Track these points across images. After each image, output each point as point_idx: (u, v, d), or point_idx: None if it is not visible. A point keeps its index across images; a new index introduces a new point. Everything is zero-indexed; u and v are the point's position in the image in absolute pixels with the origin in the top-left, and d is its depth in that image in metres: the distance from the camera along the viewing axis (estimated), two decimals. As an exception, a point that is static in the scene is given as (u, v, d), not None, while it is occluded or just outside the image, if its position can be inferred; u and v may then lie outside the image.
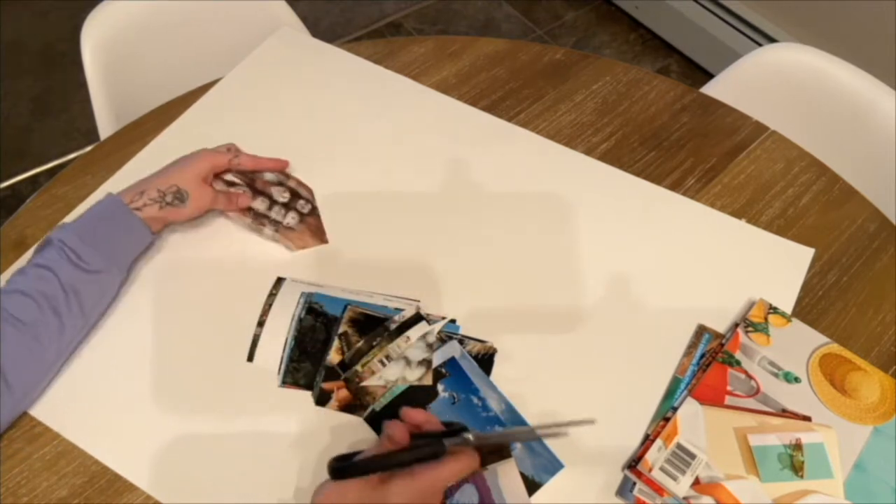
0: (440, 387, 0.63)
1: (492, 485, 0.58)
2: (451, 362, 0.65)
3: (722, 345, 0.67)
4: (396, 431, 0.51)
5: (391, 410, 0.62)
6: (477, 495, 0.57)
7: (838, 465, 0.59)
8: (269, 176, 0.75)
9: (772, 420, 0.61)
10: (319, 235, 0.73)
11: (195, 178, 0.68)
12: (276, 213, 0.73)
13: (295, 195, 0.75)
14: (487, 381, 0.64)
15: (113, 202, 0.65)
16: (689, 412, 0.61)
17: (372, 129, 0.83)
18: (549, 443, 0.61)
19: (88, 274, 0.62)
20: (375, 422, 0.62)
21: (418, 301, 0.68)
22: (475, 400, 0.63)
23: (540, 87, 0.90)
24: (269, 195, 0.74)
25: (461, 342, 0.66)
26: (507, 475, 0.58)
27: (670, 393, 0.64)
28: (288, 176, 0.76)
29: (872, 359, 0.68)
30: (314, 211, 0.74)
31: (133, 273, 0.70)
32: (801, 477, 0.58)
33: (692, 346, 0.67)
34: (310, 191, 0.76)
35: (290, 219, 0.73)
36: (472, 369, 0.64)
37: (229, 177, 0.73)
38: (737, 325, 0.68)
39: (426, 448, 0.49)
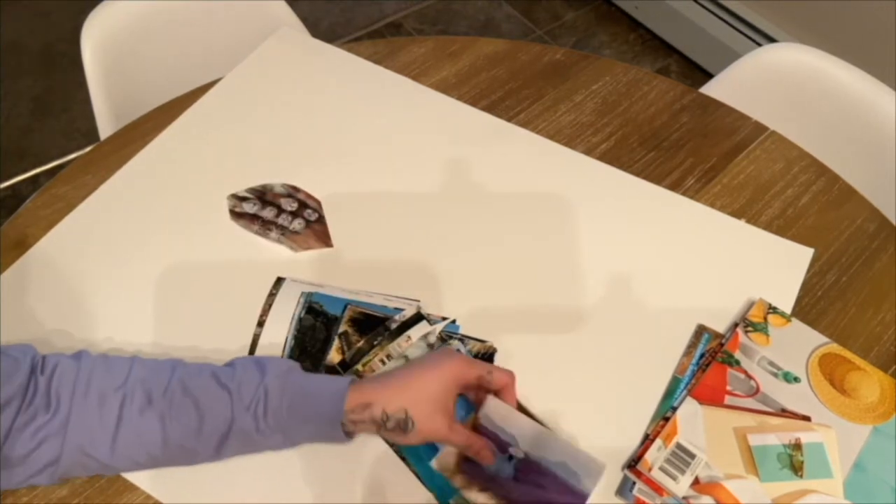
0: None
1: (492, 427, 0.57)
2: None
3: (721, 344, 0.67)
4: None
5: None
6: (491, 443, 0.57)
7: (838, 465, 0.59)
8: (278, 188, 0.75)
9: (771, 420, 0.61)
10: (324, 239, 0.73)
11: (432, 402, 0.55)
12: (283, 220, 0.73)
13: (303, 205, 0.75)
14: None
15: (336, 400, 0.55)
16: (689, 412, 0.61)
17: (372, 129, 0.83)
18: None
19: (260, 434, 0.55)
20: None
21: (418, 301, 0.69)
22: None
23: (540, 87, 0.90)
24: (279, 205, 0.74)
25: (461, 342, 0.66)
26: (498, 415, 0.58)
27: (670, 393, 0.64)
28: (297, 189, 0.76)
29: (872, 358, 0.68)
30: (321, 220, 0.75)
31: (132, 272, 0.70)
32: (801, 476, 0.58)
33: (692, 345, 0.68)
34: (318, 202, 0.76)
35: (297, 224, 0.73)
36: None
37: (242, 193, 0.74)
38: (736, 324, 0.68)
39: None
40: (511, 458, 0.56)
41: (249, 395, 0.54)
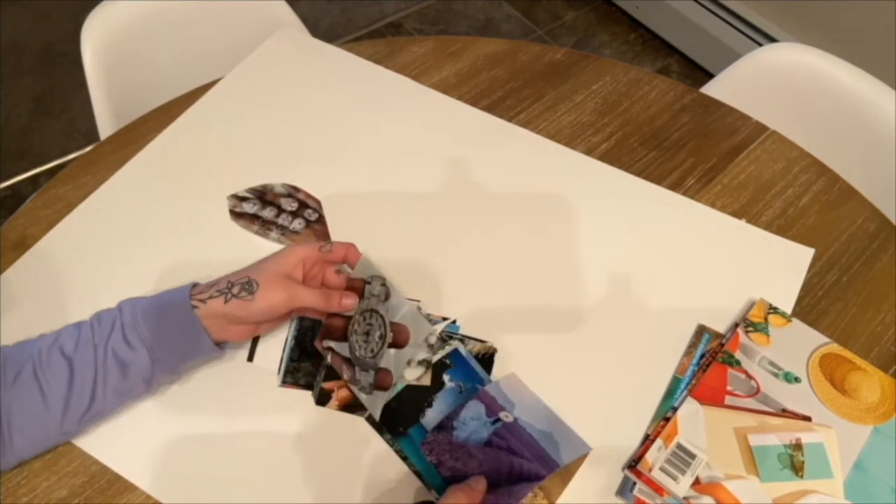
0: (446, 377, 0.63)
1: (496, 393, 0.61)
2: (455, 353, 0.65)
3: (722, 345, 0.67)
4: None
5: (391, 408, 0.62)
6: (483, 407, 0.60)
7: (838, 465, 0.59)
8: (278, 188, 0.75)
9: (772, 420, 0.61)
10: (324, 239, 0.73)
11: (274, 271, 0.58)
12: (283, 220, 0.73)
13: (303, 205, 0.75)
14: (486, 375, 0.64)
15: (182, 291, 0.58)
16: (689, 412, 0.61)
17: (372, 129, 0.83)
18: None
19: (132, 351, 0.56)
20: (376, 421, 0.61)
21: (418, 301, 0.69)
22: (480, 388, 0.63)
23: (540, 87, 0.90)
24: (279, 205, 0.74)
25: (462, 342, 0.66)
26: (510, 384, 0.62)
27: (670, 393, 0.64)
28: (297, 189, 0.76)
29: (872, 359, 0.68)
30: (321, 220, 0.75)
31: (132, 272, 0.70)
32: (801, 477, 0.58)
33: (692, 345, 0.67)
34: (318, 202, 0.76)
35: (297, 224, 0.73)
36: (473, 360, 0.65)
37: (242, 193, 0.74)
38: (737, 324, 0.68)
39: None
40: (496, 421, 0.59)
41: (108, 323, 0.57)
